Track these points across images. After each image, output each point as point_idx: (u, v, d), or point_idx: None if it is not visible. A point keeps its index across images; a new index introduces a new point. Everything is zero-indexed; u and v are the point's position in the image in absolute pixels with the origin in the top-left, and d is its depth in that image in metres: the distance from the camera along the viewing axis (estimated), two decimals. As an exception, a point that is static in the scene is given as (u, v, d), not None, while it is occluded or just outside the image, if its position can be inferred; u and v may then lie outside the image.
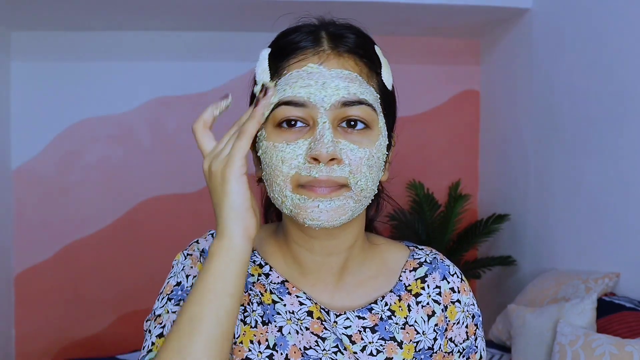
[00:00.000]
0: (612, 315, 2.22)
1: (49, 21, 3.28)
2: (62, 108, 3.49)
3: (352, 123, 0.70)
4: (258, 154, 0.75)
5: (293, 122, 0.70)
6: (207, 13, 3.22)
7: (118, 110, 3.54)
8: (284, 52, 0.74)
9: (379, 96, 0.74)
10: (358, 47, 0.73)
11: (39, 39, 3.45)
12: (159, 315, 0.76)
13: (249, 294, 0.79)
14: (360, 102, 0.70)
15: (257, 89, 0.74)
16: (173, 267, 0.81)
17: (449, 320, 0.82)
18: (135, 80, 3.55)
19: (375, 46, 0.77)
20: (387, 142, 0.75)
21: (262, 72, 0.74)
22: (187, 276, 0.78)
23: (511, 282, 3.36)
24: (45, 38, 3.45)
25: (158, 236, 3.58)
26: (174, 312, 0.75)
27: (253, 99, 0.78)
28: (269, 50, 0.75)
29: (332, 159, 0.68)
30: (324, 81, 0.69)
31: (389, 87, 0.76)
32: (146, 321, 0.78)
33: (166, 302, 0.76)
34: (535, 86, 3.13)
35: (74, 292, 3.52)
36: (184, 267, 0.79)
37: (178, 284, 0.78)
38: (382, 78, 0.75)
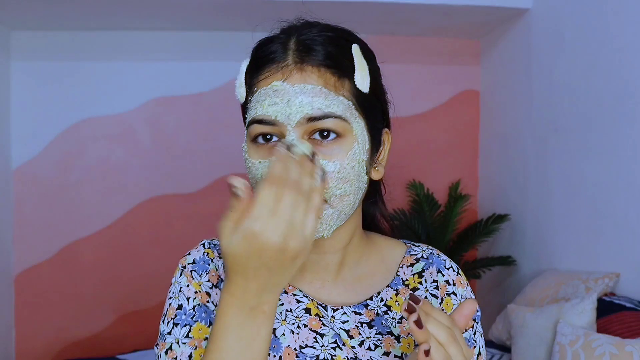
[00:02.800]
0: (612, 315, 2.22)
1: (49, 21, 3.28)
2: (62, 108, 3.49)
3: (325, 133, 0.71)
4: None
5: (269, 137, 0.72)
6: (207, 13, 3.22)
7: (118, 110, 3.54)
8: (255, 66, 0.75)
9: (352, 103, 0.73)
10: (324, 58, 0.73)
11: (39, 39, 3.45)
12: (170, 348, 0.76)
13: None
14: (326, 116, 0.70)
15: (238, 95, 0.77)
16: (172, 284, 0.81)
17: (445, 313, 0.82)
18: (135, 80, 3.55)
19: (354, 47, 0.75)
20: (368, 146, 0.75)
21: (240, 87, 0.77)
22: (187, 298, 0.79)
23: (511, 282, 3.36)
24: (45, 38, 3.45)
25: (158, 236, 3.58)
26: (185, 343, 0.76)
27: (241, 107, 0.79)
28: (248, 61, 0.77)
29: None
30: (289, 98, 0.70)
31: (365, 90, 0.75)
32: (156, 346, 0.78)
33: (172, 328, 0.77)
34: (535, 86, 3.13)
35: (74, 292, 3.52)
36: (181, 287, 0.80)
37: (180, 306, 0.78)
38: (356, 83, 0.74)
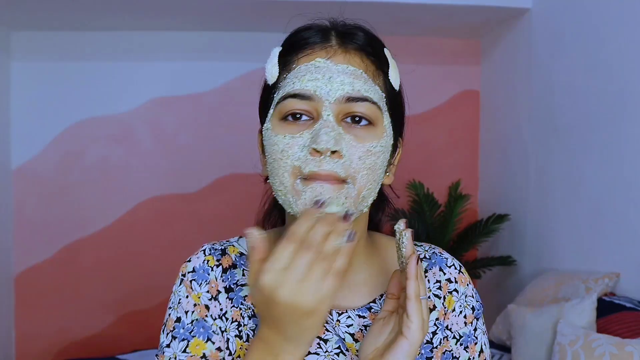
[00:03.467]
0: (612, 315, 2.22)
1: (49, 21, 3.28)
2: (62, 108, 3.49)
3: (357, 119, 0.71)
4: (264, 148, 0.75)
5: (298, 115, 0.71)
6: (207, 13, 3.22)
7: (118, 110, 3.54)
8: (294, 47, 0.75)
9: (384, 95, 0.75)
10: (366, 44, 0.75)
11: (39, 39, 3.45)
12: None
13: (240, 309, 0.79)
14: (364, 99, 0.71)
15: (269, 76, 0.75)
16: (173, 294, 0.80)
17: (447, 309, 0.82)
18: (135, 80, 3.55)
19: (385, 49, 0.78)
20: (392, 142, 0.75)
21: (272, 67, 0.75)
22: (186, 312, 0.78)
23: (511, 282, 3.36)
24: (45, 38, 3.45)
25: (158, 236, 3.58)
26: (183, 359, 0.75)
27: (263, 93, 0.78)
28: (280, 48, 0.77)
29: (333, 152, 0.68)
30: (331, 75, 0.70)
31: (396, 88, 0.77)
32: (156, 356, 0.78)
33: (171, 341, 0.77)
34: (535, 86, 3.13)
35: (74, 292, 3.52)
36: (180, 299, 0.79)
37: (178, 319, 0.78)
38: (390, 78, 0.76)
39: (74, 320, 3.52)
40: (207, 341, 0.76)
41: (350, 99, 0.70)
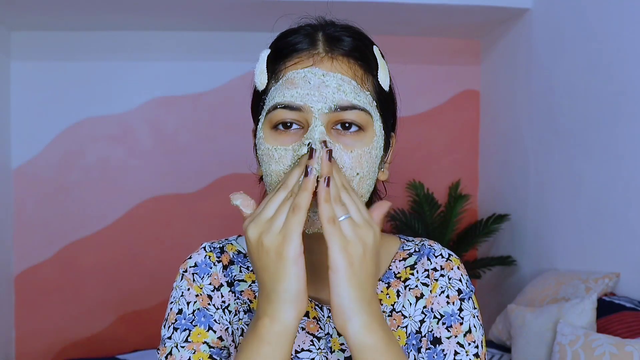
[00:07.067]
0: (612, 315, 2.22)
1: (49, 21, 3.28)
2: (62, 108, 3.49)
3: (347, 125, 0.71)
4: (258, 154, 0.76)
5: (289, 124, 0.72)
6: (207, 13, 3.23)
7: (118, 110, 3.54)
8: (282, 54, 0.75)
9: (374, 98, 0.75)
10: (353, 50, 0.74)
11: (39, 39, 3.45)
12: (170, 353, 0.77)
13: (245, 302, 0.81)
14: (353, 107, 0.71)
15: (258, 83, 0.76)
16: (174, 289, 0.82)
17: (432, 295, 0.82)
18: (135, 80, 3.55)
19: (374, 47, 0.77)
20: (384, 143, 0.76)
21: (260, 74, 0.75)
22: (188, 303, 0.79)
23: (511, 282, 3.36)
24: (45, 38, 3.45)
25: (158, 236, 3.58)
26: (183, 347, 0.76)
27: (254, 97, 0.79)
28: (268, 51, 0.76)
29: None
30: (319, 85, 0.70)
31: (386, 88, 0.77)
32: (157, 350, 0.79)
33: (173, 333, 0.78)
34: (535, 86, 3.13)
35: (74, 292, 3.52)
36: (182, 292, 0.80)
37: (180, 311, 0.79)
38: (379, 79, 0.76)
39: (74, 320, 3.52)
40: (208, 330, 0.78)
41: (339, 108, 0.70)
